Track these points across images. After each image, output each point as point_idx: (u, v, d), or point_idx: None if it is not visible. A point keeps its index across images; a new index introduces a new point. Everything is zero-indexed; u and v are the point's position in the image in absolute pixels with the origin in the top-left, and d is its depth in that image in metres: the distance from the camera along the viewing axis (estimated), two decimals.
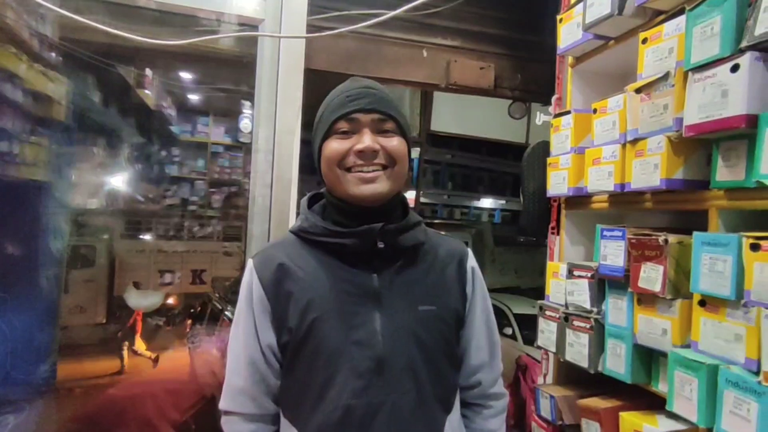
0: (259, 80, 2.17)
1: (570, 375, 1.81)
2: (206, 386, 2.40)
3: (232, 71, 3.40)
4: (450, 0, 2.65)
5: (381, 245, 0.99)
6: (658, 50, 1.36)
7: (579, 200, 1.76)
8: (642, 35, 1.41)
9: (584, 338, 1.56)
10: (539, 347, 1.84)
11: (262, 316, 1.01)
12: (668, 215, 1.66)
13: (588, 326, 1.55)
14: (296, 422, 0.99)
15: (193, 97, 4.41)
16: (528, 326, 3.88)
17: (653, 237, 1.31)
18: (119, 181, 3.80)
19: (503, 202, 7.67)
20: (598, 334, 1.53)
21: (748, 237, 1.08)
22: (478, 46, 2.89)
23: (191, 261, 3.63)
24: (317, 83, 2.14)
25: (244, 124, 4.20)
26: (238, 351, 1.02)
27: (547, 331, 1.74)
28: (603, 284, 1.53)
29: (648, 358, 1.42)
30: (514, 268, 5.87)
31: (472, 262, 1.12)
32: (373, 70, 2.67)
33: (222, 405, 1.04)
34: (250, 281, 1.02)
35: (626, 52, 1.60)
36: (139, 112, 3.85)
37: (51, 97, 2.55)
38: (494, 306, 1.17)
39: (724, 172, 1.20)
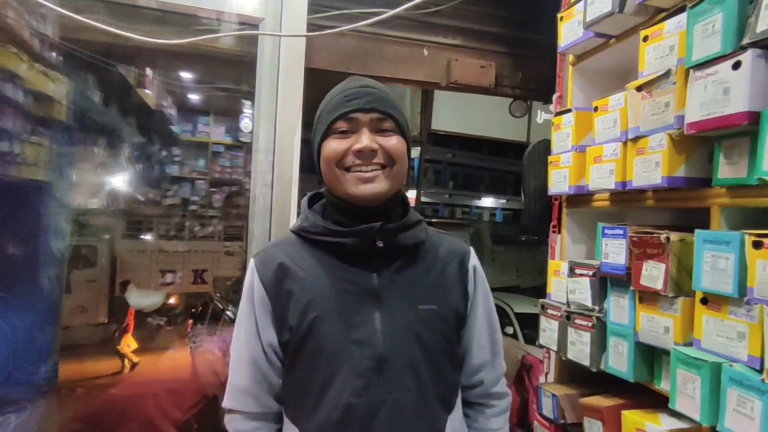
0: (260, 79, 2.17)
1: (572, 373, 1.81)
2: (208, 385, 2.41)
3: (233, 70, 3.40)
4: None
5: (380, 244, 0.99)
6: (659, 48, 1.35)
7: (580, 198, 1.76)
8: (643, 33, 1.41)
9: (586, 337, 1.56)
10: (541, 346, 1.83)
11: (264, 315, 1.01)
12: (670, 213, 1.65)
13: (590, 324, 1.55)
14: (297, 421, 0.99)
15: (194, 97, 4.41)
16: (529, 325, 3.88)
17: (655, 235, 1.30)
18: (120, 181, 3.81)
19: (504, 201, 7.65)
20: (600, 332, 1.52)
21: (750, 234, 1.07)
22: (479, 44, 2.89)
23: (193, 261, 3.64)
24: (318, 82, 2.13)
25: (245, 123, 4.21)
26: (241, 350, 1.03)
27: (548, 330, 1.74)
28: (605, 282, 1.53)
29: (650, 356, 1.41)
30: (515, 267, 5.86)
31: (474, 260, 1.11)
32: (373, 69, 2.66)
33: (225, 403, 1.05)
34: (251, 281, 1.03)
35: (627, 50, 1.60)
36: (140, 111, 3.85)
37: (52, 97, 2.55)
38: (495, 305, 1.16)
39: (726, 170, 1.19)
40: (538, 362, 3.13)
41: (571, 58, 1.88)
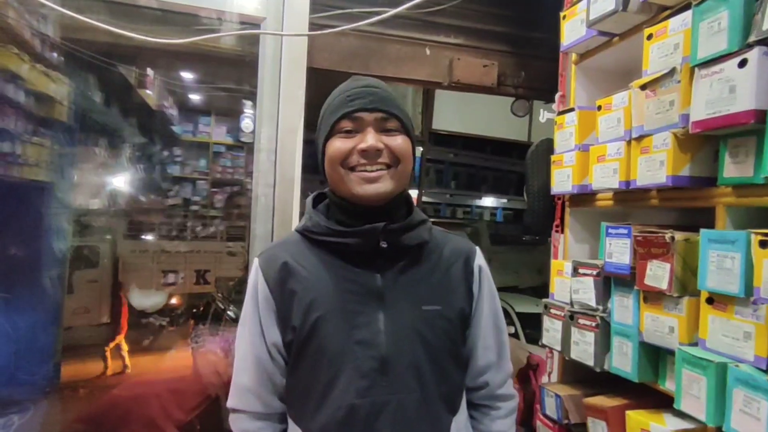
0: (261, 79, 2.17)
1: (575, 373, 1.80)
2: (210, 386, 2.41)
3: (234, 70, 3.40)
4: None
5: (384, 245, 0.98)
6: (664, 46, 1.34)
7: (583, 198, 1.75)
8: (647, 31, 1.40)
9: (590, 336, 1.55)
10: (544, 346, 1.83)
11: (268, 314, 1.00)
12: (674, 212, 1.64)
13: (593, 324, 1.54)
14: (300, 421, 0.99)
15: (195, 97, 4.41)
16: (530, 325, 3.87)
17: (659, 234, 1.29)
18: (121, 181, 3.81)
19: (505, 200, 7.65)
20: (604, 332, 1.52)
21: (757, 234, 1.06)
22: (481, 43, 2.88)
23: (195, 261, 3.64)
24: (320, 82, 2.13)
25: (246, 123, 4.21)
26: (245, 350, 1.02)
27: (552, 330, 1.73)
28: (608, 282, 1.52)
29: (655, 357, 1.40)
30: (515, 267, 5.85)
31: (479, 260, 1.10)
32: (375, 69, 2.66)
33: (229, 403, 1.05)
34: (255, 280, 1.02)
35: (631, 48, 1.59)
36: (141, 112, 3.85)
37: (53, 98, 2.55)
38: None
39: (731, 169, 1.18)
40: (544, 361, 3.12)
41: (574, 56, 1.87)
